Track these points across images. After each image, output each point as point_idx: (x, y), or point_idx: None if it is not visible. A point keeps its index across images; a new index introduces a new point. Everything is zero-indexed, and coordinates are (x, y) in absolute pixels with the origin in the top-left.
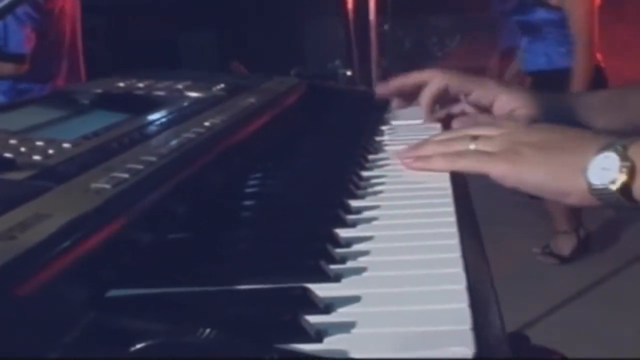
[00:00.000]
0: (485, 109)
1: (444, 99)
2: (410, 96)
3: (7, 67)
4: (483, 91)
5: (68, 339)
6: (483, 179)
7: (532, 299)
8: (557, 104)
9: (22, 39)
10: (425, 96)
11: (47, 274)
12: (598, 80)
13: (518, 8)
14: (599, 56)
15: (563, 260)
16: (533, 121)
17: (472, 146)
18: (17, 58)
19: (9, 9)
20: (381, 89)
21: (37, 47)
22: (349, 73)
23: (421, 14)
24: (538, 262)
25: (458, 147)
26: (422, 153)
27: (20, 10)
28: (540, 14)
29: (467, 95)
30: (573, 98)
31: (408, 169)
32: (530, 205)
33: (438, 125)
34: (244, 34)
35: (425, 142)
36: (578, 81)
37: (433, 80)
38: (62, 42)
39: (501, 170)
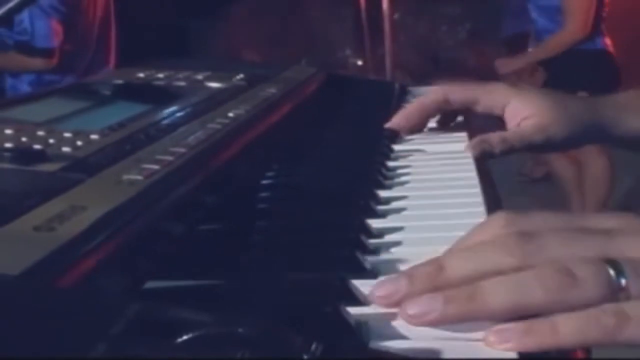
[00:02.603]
0: (498, 119)
1: (447, 114)
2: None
3: (36, 62)
4: (491, 98)
5: (116, 329)
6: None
7: None
8: (578, 106)
9: (50, 33)
10: (410, 106)
11: (89, 265)
12: (607, 66)
13: None
14: (607, 42)
15: None
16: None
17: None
18: (45, 52)
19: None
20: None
21: (66, 40)
22: (360, 62)
23: (431, 2)
24: None
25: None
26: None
27: (46, 3)
28: None
29: (474, 105)
30: (598, 99)
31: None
32: (548, 192)
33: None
34: (253, 22)
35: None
36: (540, 49)
37: (429, 93)
38: (90, 34)
39: None
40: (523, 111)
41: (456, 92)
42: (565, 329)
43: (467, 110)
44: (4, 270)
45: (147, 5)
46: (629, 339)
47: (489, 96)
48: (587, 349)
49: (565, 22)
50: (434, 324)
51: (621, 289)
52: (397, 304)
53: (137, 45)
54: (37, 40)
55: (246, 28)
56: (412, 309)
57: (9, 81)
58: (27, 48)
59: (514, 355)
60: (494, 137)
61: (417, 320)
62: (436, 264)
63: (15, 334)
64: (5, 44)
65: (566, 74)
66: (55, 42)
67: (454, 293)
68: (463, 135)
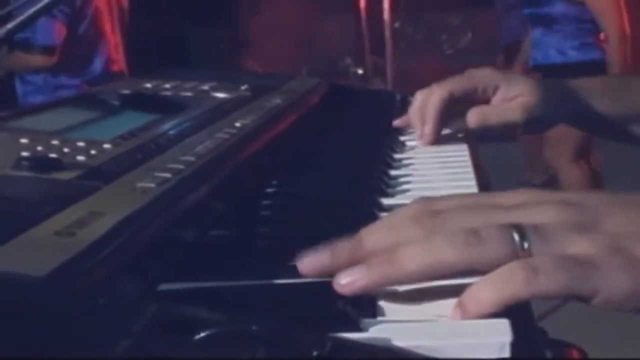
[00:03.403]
0: (485, 101)
1: (454, 107)
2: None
3: (35, 59)
4: (485, 82)
5: (137, 327)
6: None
7: None
8: (558, 90)
9: (51, 31)
10: (430, 112)
11: (109, 268)
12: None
13: (532, 0)
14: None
15: None
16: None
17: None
18: (45, 49)
19: (44, 10)
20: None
21: (71, 42)
22: (360, 71)
23: (431, 11)
24: None
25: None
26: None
27: None
28: (559, 7)
29: (474, 92)
30: (574, 83)
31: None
32: None
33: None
34: (253, 32)
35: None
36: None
37: (432, 95)
38: (94, 40)
39: (621, 288)
40: (512, 92)
41: (457, 85)
42: (481, 290)
43: (467, 100)
44: (30, 273)
45: (149, 15)
46: (541, 290)
47: (483, 81)
48: (583, 351)
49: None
50: (363, 289)
51: (524, 251)
52: (320, 275)
53: (141, 54)
54: (38, 37)
55: (247, 38)
56: (343, 279)
57: (19, 85)
58: (28, 45)
59: (507, 342)
60: (490, 109)
61: (348, 289)
62: (355, 239)
63: (43, 333)
64: (11, 44)
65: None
66: (56, 40)
67: (374, 260)
68: (463, 146)
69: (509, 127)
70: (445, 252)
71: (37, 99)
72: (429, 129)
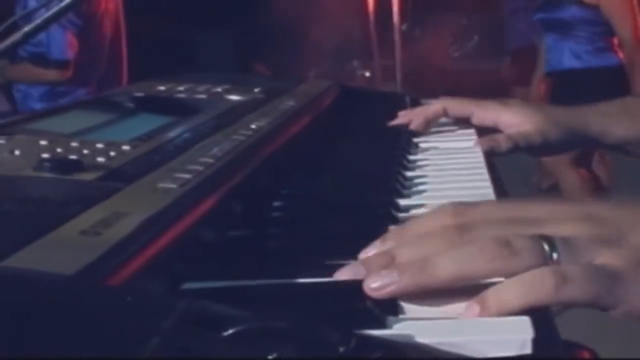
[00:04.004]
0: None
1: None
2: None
3: (51, 74)
4: (484, 112)
5: (167, 324)
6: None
7: None
8: (567, 117)
9: (65, 45)
10: (417, 115)
11: (135, 267)
12: (622, 83)
13: (544, 5)
14: (622, 58)
15: None
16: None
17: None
18: (61, 64)
19: (53, 18)
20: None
21: (79, 52)
22: (367, 74)
23: (438, 14)
24: None
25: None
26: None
27: None
28: (572, 11)
29: (469, 118)
30: (584, 109)
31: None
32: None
33: (471, 130)
34: (261, 35)
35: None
36: (636, 81)
37: (431, 105)
38: (103, 46)
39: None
40: (514, 120)
41: (454, 106)
42: (507, 291)
43: (463, 121)
44: (57, 271)
45: (154, 20)
46: (569, 297)
47: (481, 110)
48: (594, 351)
49: (626, 45)
50: (393, 294)
51: (553, 261)
52: None
53: (146, 60)
54: (52, 52)
55: (255, 41)
56: (374, 282)
57: (19, 91)
58: (42, 60)
59: (529, 339)
60: (501, 136)
61: (379, 293)
62: (387, 254)
63: (74, 330)
64: (18, 55)
65: (581, 90)
66: (70, 54)
67: (407, 266)
68: (478, 150)
69: (530, 150)
70: (477, 263)
71: (38, 106)
72: (403, 116)
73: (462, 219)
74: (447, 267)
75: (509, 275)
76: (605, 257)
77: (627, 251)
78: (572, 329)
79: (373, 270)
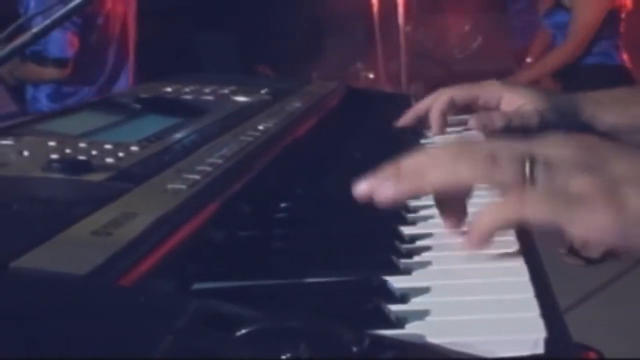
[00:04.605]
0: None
1: (455, 111)
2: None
3: (49, 72)
4: (488, 93)
5: (180, 324)
6: None
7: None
8: (563, 101)
9: (64, 44)
10: (434, 114)
11: (146, 267)
12: (625, 82)
13: (550, 11)
14: (625, 57)
15: (589, 262)
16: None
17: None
18: (59, 62)
19: (57, 23)
20: (401, 122)
21: (81, 52)
22: (371, 76)
23: (442, 15)
24: (564, 262)
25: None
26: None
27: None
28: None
29: (475, 101)
30: (580, 95)
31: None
32: None
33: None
34: (264, 36)
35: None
36: (539, 66)
37: (438, 97)
38: (107, 46)
39: (602, 223)
40: (516, 101)
41: (460, 93)
42: (481, 218)
43: (468, 107)
44: (70, 271)
45: (160, 22)
46: (531, 215)
47: (486, 92)
48: (600, 352)
49: (568, 37)
50: (394, 196)
51: (530, 178)
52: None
53: (152, 61)
54: (50, 50)
55: (259, 43)
56: (379, 189)
57: (29, 92)
58: (41, 58)
59: (541, 339)
60: (495, 113)
61: (382, 197)
62: (395, 165)
63: (88, 330)
64: (23, 54)
65: (583, 89)
66: (70, 52)
67: (405, 172)
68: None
69: (526, 130)
70: (464, 171)
71: (46, 107)
72: (433, 132)
73: (465, 142)
74: (437, 173)
75: (490, 183)
76: (580, 182)
77: (601, 180)
78: (579, 330)
79: (381, 178)
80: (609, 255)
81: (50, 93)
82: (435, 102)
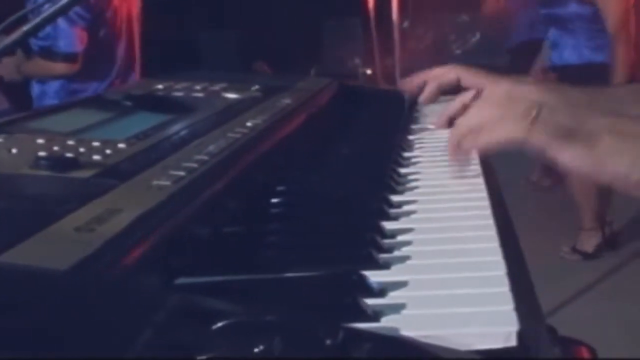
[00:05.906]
0: None
1: (456, 91)
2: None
3: (58, 67)
4: (496, 87)
5: (159, 317)
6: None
7: (555, 295)
8: (578, 97)
9: (73, 39)
10: (431, 84)
11: (128, 262)
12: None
13: (547, 1)
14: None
15: (587, 256)
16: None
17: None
18: (68, 57)
19: (61, 11)
20: (405, 85)
21: (90, 47)
22: (369, 72)
23: (440, 11)
24: (561, 258)
25: (511, 122)
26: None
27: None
28: (572, 8)
29: (480, 90)
30: (597, 90)
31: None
32: (553, 199)
33: None
34: (263, 33)
35: (469, 118)
36: (618, 77)
37: (446, 72)
38: (116, 42)
39: (576, 156)
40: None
41: (468, 76)
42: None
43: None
44: (52, 266)
45: (163, 20)
46: (534, 138)
47: (493, 85)
48: (592, 349)
49: (613, 39)
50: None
51: (533, 117)
52: None
53: (154, 58)
54: (59, 45)
55: (256, 39)
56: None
57: (36, 88)
58: (49, 53)
59: (514, 332)
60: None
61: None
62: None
63: (67, 324)
64: (31, 50)
65: (582, 85)
66: (79, 47)
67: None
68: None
69: None
70: (473, 116)
71: (53, 102)
72: (421, 99)
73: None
74: (460, 122)
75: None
76: (567, 125)
77: (583, 127)
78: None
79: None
80: (602, 249)
81: (59, 89)
82: (441, 75)
